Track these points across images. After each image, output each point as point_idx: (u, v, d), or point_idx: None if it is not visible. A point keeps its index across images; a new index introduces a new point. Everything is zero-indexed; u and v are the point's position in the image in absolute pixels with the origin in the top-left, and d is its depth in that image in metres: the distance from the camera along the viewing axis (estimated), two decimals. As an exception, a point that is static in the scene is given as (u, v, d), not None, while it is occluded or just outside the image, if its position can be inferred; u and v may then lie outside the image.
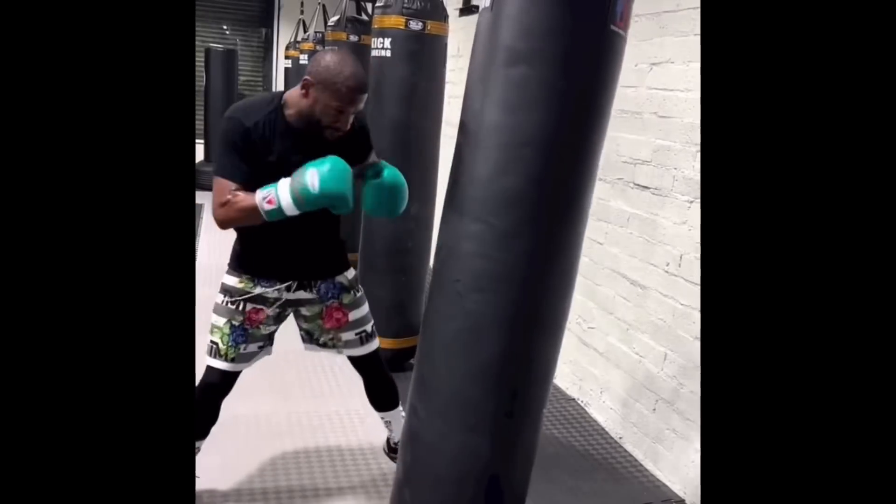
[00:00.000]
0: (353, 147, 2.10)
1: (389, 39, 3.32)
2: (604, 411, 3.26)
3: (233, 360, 2.18)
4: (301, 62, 6.72)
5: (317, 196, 1.85)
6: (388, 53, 3.33)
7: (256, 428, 2.93)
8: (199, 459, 2.27)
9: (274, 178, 1.92)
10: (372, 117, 3.50)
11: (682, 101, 2.71)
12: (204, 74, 8.40)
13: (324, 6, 6.59)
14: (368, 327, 2.37)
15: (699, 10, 2.63)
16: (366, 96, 2.02)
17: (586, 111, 1.57)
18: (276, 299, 2.20)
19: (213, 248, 5.56)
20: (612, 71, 1.59)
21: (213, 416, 2.24)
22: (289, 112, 2.04)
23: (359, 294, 2.34)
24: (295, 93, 2.03)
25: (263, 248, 2.15)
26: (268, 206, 1.89)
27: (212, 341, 2.18)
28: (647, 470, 2.88)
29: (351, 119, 2.02)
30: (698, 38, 2.62)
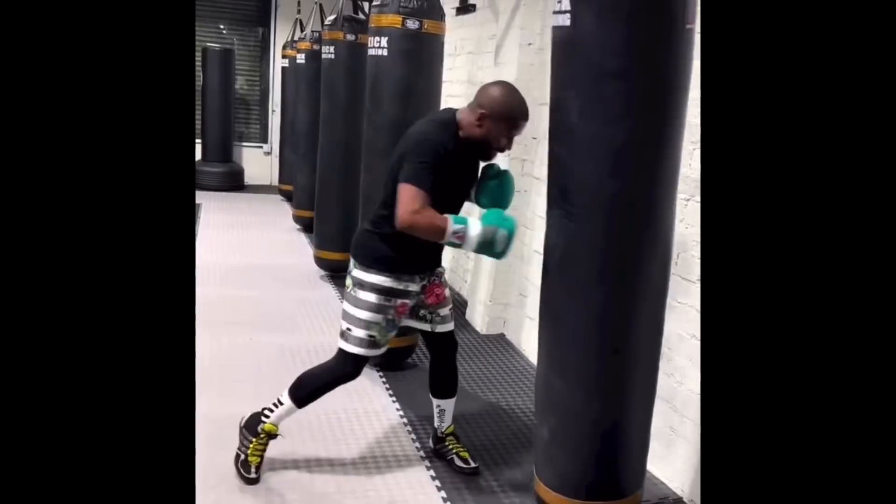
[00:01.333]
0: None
1: (386, 38, 3.32)
2: (601, 409, 3.25)
3: (381, 347, 2.51)
4: (298, 61, 6.70)
5: (496, 253, 2.25)
6: (385, 52, 3.33)
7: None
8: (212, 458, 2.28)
9: (444, 186, 2.27)
10: (369, 116, 3.50)
11: (678, 99, 2.72)
12: (201, 74, 8.39)
13: (321, 5, 6.58)
14: (452, 305, 2.68)
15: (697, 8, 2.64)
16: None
17: (672, 110, 1.83)
18: (417, 292, 2.51)
19: (213, 247, 5.57)
20: (688, 67, 1.84)
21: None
22: (461, 133, 2.37)
23: (445, 276, 2.67)
24: (468, 120, 2.36)
25: (410, 249, 2.40)
26: (455, 240, 2.23)
27: (369, 335, 2.44)
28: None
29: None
30: (698, 36, 2.62)
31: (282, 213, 7.43)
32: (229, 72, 8.57)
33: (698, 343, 2.59)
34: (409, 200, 2.23)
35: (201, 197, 7.34)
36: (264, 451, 2.58)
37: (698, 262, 2.60)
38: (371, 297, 2.43)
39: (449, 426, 2.81)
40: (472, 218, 2.24)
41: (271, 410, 2.56)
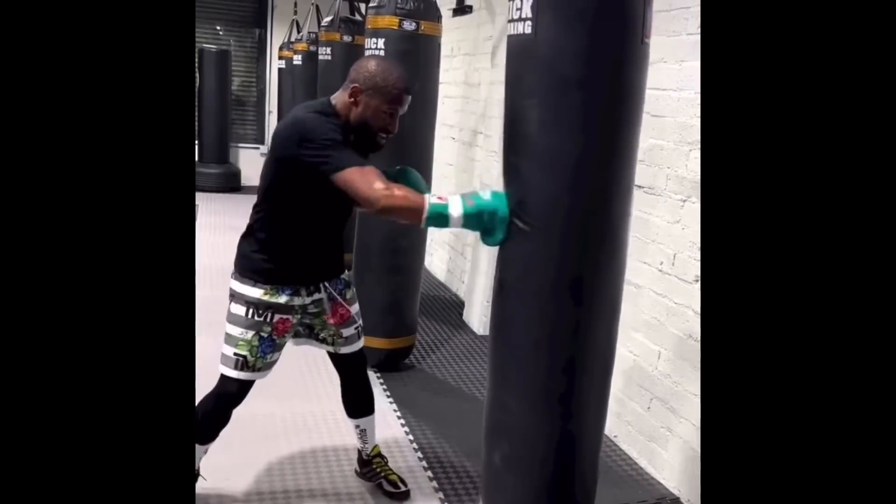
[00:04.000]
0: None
1: (383, 40, 3.33)
2: (599, 410, 3.26)
3: (259, 370, 2.19)
4: (295, 63, 6.70)
5: (483, 207, 1.83)
6: (382, 54, 3.33)
7: (252, 429, 2.93)
8: (206, 460, 2.30)
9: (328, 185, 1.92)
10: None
11: (674, 100, 2.73)
12: (198, 75, 8.39)
13: (317, 7, 6.58)
14: (361, 323, 2.40)
15: (691, 9, 2.65)
16: (411, 97, 2.10)
17: (630, 123, 1.78)
18: (301, 306, 2.20)
19: (213, 249, 5.56)
20: (644, 80, 1.80)
21: (225, 422, 2.25)
22: (341, 121, 2.06)
23: (353, 290, 2.39)
24: (340, 100, 2.08)
25: (292, 257, 2.15)
26: (436, 200, 1.85)
27: (237, 354, 2.14)
28: (641, 468, 2.89)
29: (398, 122, 2.10)
30: (690, 37, 2.64)
31: (278, 215, 7.37)
32: (226, 73, 8.57)
33: (695, 344, 2.60)
34: (364, 183, 1.88)
35: (198, 198, 7.31)
36: None
37: (695, 263, 2.61)
38: (240, 311, 2.13)
39: (374, 447, 2.60)
40: (453, 198, 1.87)
41: None
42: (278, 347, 2.21)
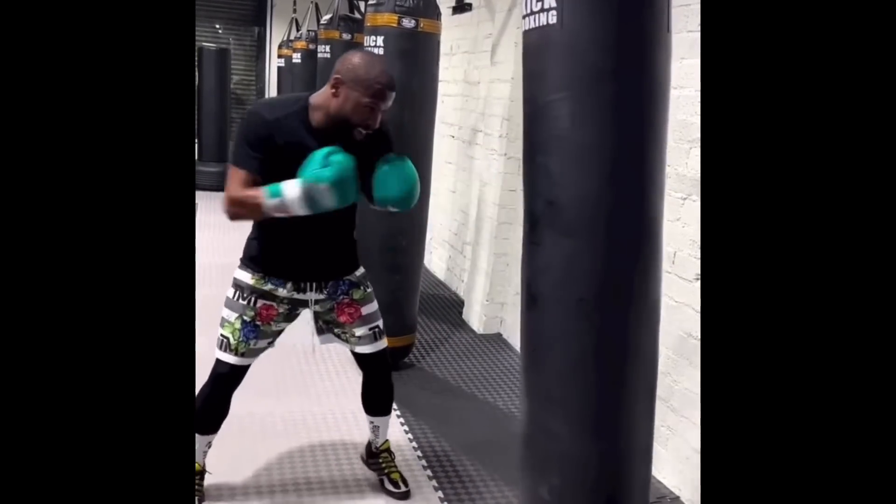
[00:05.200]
0: (375, 150, 2.14)
1: (382, 37, 3.32)
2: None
3: (242, 355, 2.21)
4: (294, 61, 6.70)
5: (336, 205, 1.92)
6: (381, 52, 3.33)
7: (251, 428, 2.93)
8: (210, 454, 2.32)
9: (287, 176, 1.94)
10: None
11: (674, 98, 2.70)
12: (197, 74, 8.38)
13: (316, 5, 6.58)
14: (380, 324, 2.38)
15: (691, 7, 2.64)
16: (394, 93, 2.06)
17: (662, 114, 1.69)
18: (287, 297, 2.22)
19: (213, 248, 5.55)
20: (670, 72, 1.71)
21: (224, 410, 2.28)
22: (315, 114, 2.06)
23: (368, 290, 2.36)
24: (322, 94, 2.07)
25: (279, 248, 2.18)
26: (279, 213, 1.93)
27: (222, 335, 2.20)
28: (641, 466, 2.89)
29: (380, 117, 2.07)
30: (690, 34, 2.63)
31: (278, 213, 7.38)
32: (225, 72, 8.57)
33: (695, 342, 2.60)
34: (228, 184, 1.99)
35: (197, 197, 7.29)
36: (196, 491, 2.36)
37: (695, 261, 2.60)
38: (229, 293, 2.22)
39: (384, 442, 2.62)
40: (288, 181, 1.92)
41: None
42: (263, 335, 2.23)
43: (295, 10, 7.52)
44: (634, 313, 1.72)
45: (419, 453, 2.87)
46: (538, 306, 1.78)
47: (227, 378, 2.24)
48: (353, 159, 1.95)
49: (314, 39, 5.89)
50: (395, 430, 3.03)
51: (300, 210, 1.93)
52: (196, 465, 2.33)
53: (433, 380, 3.66)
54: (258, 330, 2.21)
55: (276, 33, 8.83)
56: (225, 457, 2.61)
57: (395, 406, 3.25)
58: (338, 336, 2.37)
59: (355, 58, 2.04)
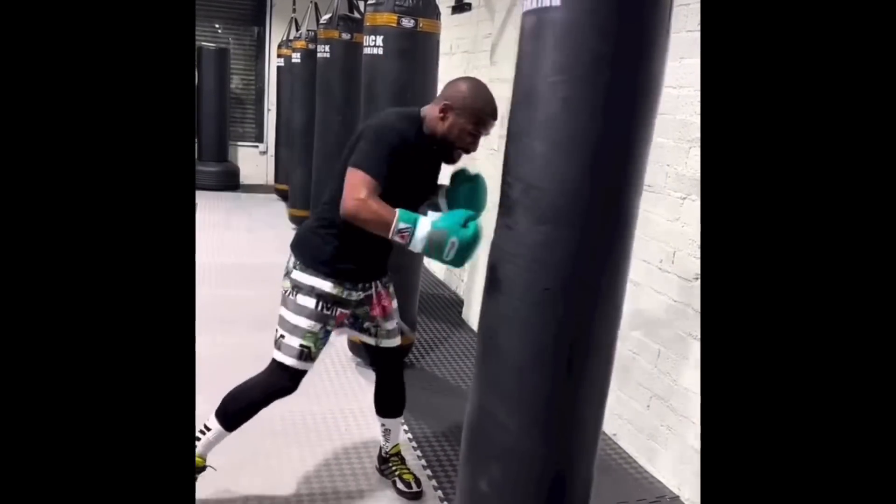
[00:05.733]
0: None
1: (381, 37, 3.32)
2: (598, 408, 3.26)
3: (313, 361, 2.25)
4: (294, 61, 6.70)
5: (445, 260, 1.90)
6: (381, 51, 3.33)
7: (251, 427, 2.92)
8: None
9: (399, 183, 2.02)
10: (365, 115, 3.50)
11: (674, 97, 2.72)
12: (196, 73, 8.38)
13: (316, 4, 6.58)
14: (399, 319, 2.46)
15: (690, 6, 2.65)
16: (496, 121, 2.16)
17: (653, 111, 1.67)
18: (358, 301, 2.29)
19: (212, 247, 5.56)
20: (664, 71, 1.67)
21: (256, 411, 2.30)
22: (425, 128, 2.17)
23: (392, 286, 2.43)
24: (432, 114, 2.15)
25: (358, 254, 2.20)
26: (399, 238, 1.92)
27: (302, 346, 2.19)
28: (641, 466, 2.90)
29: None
30: (690, 34, 2.63)
31: (277, 213, 7.41)
32: (225, 71, 8.56)
33: (695, 341, 2.60)
34: (356, 187, 1.98)
35: (197, 196, 7.27)
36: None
37: (695, 260, 2.60)
38: (311, 304, 2.18)
39: (394, 446, 2.65)
40: (425, 218, 1.92)
41: (197, 440, 2.29)
42: (328, 340, 2.27)
43: (294, 10, 7.52)
44: (599, 308, 1.69)
45: (419, 453, 2.87)
46: (501, 292, 1.74)
47: (290, 387, 2.26)
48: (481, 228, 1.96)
49: (314, 39, 5.89)
50: (395, 430, 3.04)
51: (418, 246, 1.91)
52: (201, 460, 2.32)
53: (433, 379, 3.66)
54: (328, 336, 2.26)
55: (276, 33, 8.82)
56: (225, 457, 2.61)
57: (394, 406, 3.26)
58: (366, 330, 2.38)
59: (464, 86, 2.13)
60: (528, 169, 1.67)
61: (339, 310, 2.23)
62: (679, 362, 2.70)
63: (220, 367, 3.53)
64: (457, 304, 4.90)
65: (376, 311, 2.35)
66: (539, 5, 1.61)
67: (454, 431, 3.05)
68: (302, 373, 2.25)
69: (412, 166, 2.12)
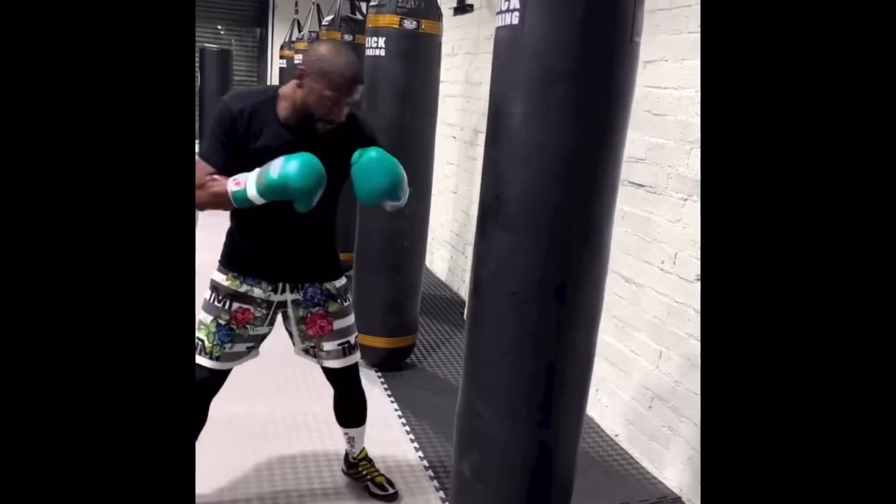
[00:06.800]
0: (347, 142, 2.04)
1: (383, 38, 3.33)
2: (599, 409, 3.26)
3: (218, 359, 2.12)
4: (296, 62, 6.70)
5: (276, 183, 1.82)
6: (383, 52, 3.33)
7: (251, 428, 2.93)
8: (204, 459, 2.28)
9: (253, 168, 1.90)
10: (367, 116, 3.50)
11: (675, 98, 2.72)
12: (199, 74, 8.39)
13: (318, 6, 6.58)
14: (352, 339, 2.32)
15: (692, 7, 2.64)
16: (361, 87, 2.00)
17: (617, 121, 1.72)
18: (263, 300, 2.15)
19: (211, 248, 5.55)
20: (633, 80, 1.74)
21: (202, 418, 2.17)
22: (282, 105, 2.01)
23: (346, 304, 2.29)
24: (289, 85, 2.01)
25: (253, 246, 2.12)
26: (235, 188, 1.87)
27: (198, 338, 2.11)
28: (642, 467, 2.89)
29: (345, 111, 1.99)
30: (691, 35, 2.63)
31: (280, 214, 7.38)
32: (227, 72, 8.57)
33: (696, 343, 2.59)
34: (196, 176, 1.92)
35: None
36: None
37: (697, 261, 2.60)
38: (206, 294, 2.14)
39: (361, 451, 2.59)
40: (250, 175, 1.89)
41: None
42: (239, 339, 2.15)
43: (297, 12, 7.53)
44: (566, 311, 1.78)
45: (421, 454, 2.87)
46: (479, 293, 1.87)
47: (205, 384, 2.12)
48: (317, 164, 1.87)
49: (316, 40, 5.90)
50: (397, 431, 3.03)
51: (253, 184, 1.86)
52: None
53: (434, 380, 3.66)
54: (233, 333, 2.13)
55: (278, 34, 8.83)
56: (225, 458, 2.61)
57: (396, 407, 3.26)
58: (305, 351, 2.31)
59: (321, 48, 1.98)
60: (495, 180, 1.79)
61: (236, 304, 2.12)
62: (681, 363, 2.70)
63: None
64: (458, 304, 4.90)
65: (312, 331, 2.24)
66: (504, 23, 1.72)
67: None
68: (215, 372, 2.12)
69: (267, 142, 1.96)
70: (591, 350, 1.89)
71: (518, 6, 1.65)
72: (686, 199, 2.67)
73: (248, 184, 1.87)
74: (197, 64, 8.37)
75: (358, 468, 2.59)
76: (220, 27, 9.15)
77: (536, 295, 1.75)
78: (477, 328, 1.89)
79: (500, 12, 1.73)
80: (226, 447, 2.63)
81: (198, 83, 8.41)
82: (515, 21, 1.66)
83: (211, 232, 6.40)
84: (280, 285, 2.16)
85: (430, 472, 2.74)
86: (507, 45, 1.74)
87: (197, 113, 8.39)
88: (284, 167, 1.83)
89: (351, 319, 2.31)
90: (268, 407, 3.13)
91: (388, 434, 2.99)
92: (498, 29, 1.76)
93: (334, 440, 2.91)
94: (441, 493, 2.60)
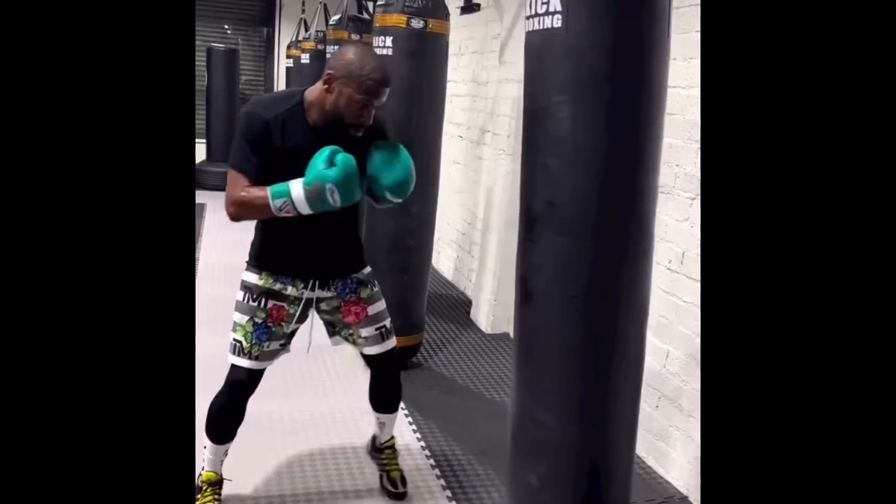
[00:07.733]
0: (370, 141, 2.12)
1: (391, 38, 3.33)
2: (606, 408, 3.25)
3: (257, 358, 2.17)
4: (303, 61, 6.71)
5: (339, 206, 1.92)
6: (390, 52, 3.33)
7: (259, 426, 2.93)
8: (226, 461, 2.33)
9: (287, 175, 1.95)
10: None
11: (683, 97, 2.71)
12: (206, 74, 8.40)
13: (325, 5, 6.58)
14: (387, 322, 2.35)
15: (699, 6, 2.63)
16: (388, 89, 2.04)
17: (660, 118, 1.76)
18: (296, 297, 2.19)
19: (215, 248, 5.57)
20: (667, 77, 1.77)
21: (240, 417, 2.25)
22: (311, 110, 2.05)
23: (376, 289, 2.33)
24: (316, 89, 2.04)
25: (284, 247, 2.16)
26: (286, 214, 1.95)
27: (235, 339, 2.16)
28: (649, 467, 2.88)
29: (373, 113, 2.04)
30: (698, 35, 2.62)
31: (286, 213, 7.38)
32: (234, 72, 8.58)
33: (703, 342, 2.58)
34: (230, 186, 2.00)
35: (205, 197, 7.32)
36: (215, 502, 2.31)
37: (703, 261, 2.59)
38: (239, 296, 2.18)
39: (389, 439, 2.60)
40: (294, 182, 1.94)
41: (203, 458, 2.30)
42: (275, 336, 2.19)
43: (304, 11, 7.53)
44: (623, 311, 1.80)
45: (427, 453, 2.86)
46: (533, 301, 1.86)
47: (244, 384, 2.20)
48: (353, 158, 1.94)
49: (323, 40, 5.90)
50: (404, 430, 3.03)
51: (306, 210, 1.94)
52: (213, 474, 2.31)
53: (441, 379, 3.66)
54: (270, 331, 2.17)
55: (285, 34, 8.84)
56: (234, 457, 2.61)
57: (402, 405, 3.25)
58: (345, 338, 2.35)
59: (349, 52, 2.02)
60: (545, 185, 1.78)
61: (271, 302, 2.16)
62: (688, 363, 2.69)
63: (220, 367, 3.54)
64: (465, 304, 4.90)
65: (349, 319, 2.28)
66: (542, 26, 1.72)
67: (462, 431, 3.04)
68: (253, 371, 2.18)
69: (299, 148, 1.99)
70: (642, 348, 1.91)
71: (560, 8, 1.66)
72: (694, 199, 2.65)
73: (300, 209, 1.95)
74: (204, 64, 8.39)
75: (382, 455, 2.60)
76: (227, 27, 9.17)
77: (595, 297, 1.77)
78: (533, 336, 1.89)
79: (534, 16, 1.73)
80: (235, 447, 2.63)
81: (205, 83, 8.43)
82: (557, 24, 1.67)
83: (217, 231, 6.38)
84: (311, 282, 2.20)
85: (437, 472, 2.73)
86: (545, 49, 1.74)
87: (205, 113, 8.41)
88: (340, 192, 1.91)
89: (383, 304, 2.35)
90: (276, 405, 3.12)
91: (395, 433, 2.98)
92: (530, 33, 1.77)
93: (341, 438, 2.92)
94: (448, 493, 2.60)
